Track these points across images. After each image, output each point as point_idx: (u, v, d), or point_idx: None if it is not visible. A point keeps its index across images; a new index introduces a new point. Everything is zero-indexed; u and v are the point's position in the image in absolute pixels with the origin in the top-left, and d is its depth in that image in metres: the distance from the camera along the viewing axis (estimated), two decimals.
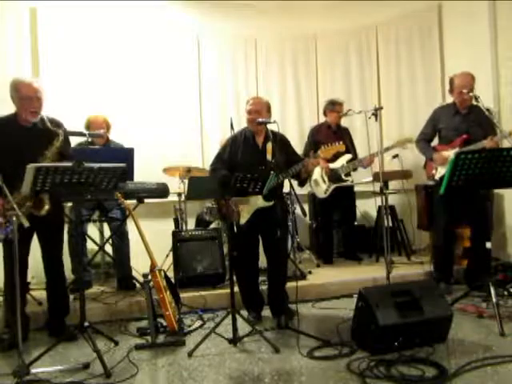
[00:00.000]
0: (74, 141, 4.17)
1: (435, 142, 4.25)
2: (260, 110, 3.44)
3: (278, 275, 3.48)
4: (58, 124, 3.20)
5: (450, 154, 3.89)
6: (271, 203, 3.38)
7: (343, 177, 4.91)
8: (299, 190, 3.72)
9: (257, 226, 3.43)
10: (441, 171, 3.96)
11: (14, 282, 2.55)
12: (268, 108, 3.52)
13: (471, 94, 3.70)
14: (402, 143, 4.66)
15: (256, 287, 3.60)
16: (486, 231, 3.83)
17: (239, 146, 3.49)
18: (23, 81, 3.07)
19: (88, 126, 4.25)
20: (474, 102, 3.67)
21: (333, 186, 4.91)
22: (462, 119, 3.97)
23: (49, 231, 3.19)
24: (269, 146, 3.44)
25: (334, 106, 5.07)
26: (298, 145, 5.49)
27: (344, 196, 5.02)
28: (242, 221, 3.39)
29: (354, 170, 4.98)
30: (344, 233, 5.29)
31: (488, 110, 3.69)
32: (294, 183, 3.45)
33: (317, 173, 4.99)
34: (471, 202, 3.83)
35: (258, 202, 3.37)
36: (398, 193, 5.32)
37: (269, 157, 3.42)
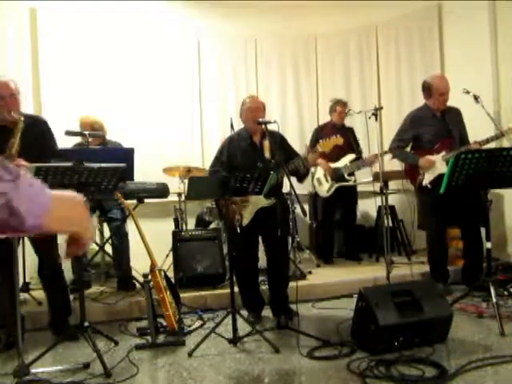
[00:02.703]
0: (74, 141, 4.18)
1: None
2: (260, 108, 3.46)
3: (279, 276, 3.48)
4: (34, 120, 3.17)
5: (437, 158, 3.88)
6: (272, 201, 3.38)
7: (346, 176, 4.91)
8: (299, 190, 3.72)
9: (257, 225, 3.42)
10: (428, 177, 3.91)
11: (8, 282, 2.55)
12: (264, 108, 3.53)
13: (471, 93, 3.69)
14: None
15: (256, 288, 3.60)
16: (477, 231, 3.83)
17: (237, 147, 3.49)
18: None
19: (80, 127, 4.24)
20: (475, 103, 3.66)
21: (335, 186, 4.92)
22: (441, 122, 3.97)
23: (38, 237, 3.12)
24: (266, 143, 3.44)
25: (335, 106, 5.11)
26: (298, 145, 5.50)
27: (347, 196, 5.03)
28: (245, 222, 3.39)
29: (358, 169, 4.98)
30: (345, 233, 5.29)
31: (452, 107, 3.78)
32: (294, 181, 3.44)
33: (320, 171, 5.00)
34: (462, 203, 3.82)
35: (259, 201, 3.36)
36: (397, 193, 5.31)
37: (267, 154, 3.42)
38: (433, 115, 3.99)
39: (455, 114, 4.00)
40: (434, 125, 3.97)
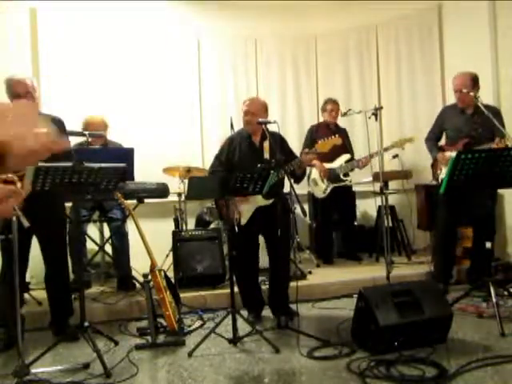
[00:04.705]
0: (74, 141, 4.18)
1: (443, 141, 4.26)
2: (255, 111, 3.43)
3: (279, 276, 3.48)
4: (52, 118, 3.16)
5: (453, 155, 3.89)
6: (271, 201, 3.38)
7: (341, 177, 4.91)
8: (299, 190, 3.72)
9: (258, 225, 3.42)
10: (444, 171, 3.97)
11: (11, 281, 2.55)
12: (265, 108, 3.51)
13: (471, 93, 3.69)
14: (401, 144, 4.65)
15: (256, 287, 3.60)
16: (490, 231, 3.83)
17: (236, 147, 3.50)
18: (15, 78, 3.05)
19: (86, 127, 4.22)
20: (475, 102, 3.66)
21: (331, 186, 4.92)
22: (466, 120, 3.96)
23: (47, 231, 3.13)
24: (266, 144, 3.45)
25: (325, 105, 5.14)
26: (298, 145, 5.50)
27: (343, 196, 5.02)
28: (243, 221, 3.39)
29: (351, 170, 4.99)
30: (343, 233, 5.29)
31: (488, 106, 3.68)
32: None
33: (315, 172, 5.00)
34: (474, 201, 3.82)
35: (258, 200, 3.36)
36: (397, 193, 5.32)
37: (266, 155, 3.43)
38: (461, 112, 3.99)
39: (490, 113, 3.90)
40: (459, 121, 3.98)
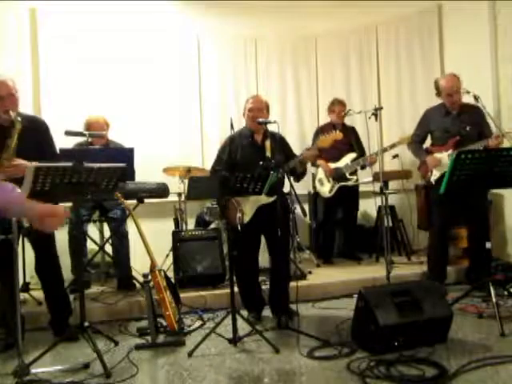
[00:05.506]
0: (74, 141, 4.18)
1: (428, 143, 4.25)
2: (262, 109, 3.46)
3: (280, 275, 3.48)
4: (34, 121, 3.17)
5: (443, 156, 3.91)
6: (273, 199, 3.37)
7: (347, 175, 4.90)
8: (299, 190, 3.71)
9: (259, 225, 3.42)
10: (436, 173, 3.97)
11: (10, 282, 2.55)
12: (267, 108, 3.54)
13: (471, 93, 3.69)
14: (408, 140, 4.61)
15: (256, 287, 3.60)
16: (484, 230, 3.84)
17: (238, 145, 3.50)
18: None
19: (88, 127, 4.22)
20: (474, 102, 3.66)
21: (337, 185, 4.91)
22: (453, 120, 3.98)
23: (37, 233, 3.11)
24: (267, 143, 3.45)
25: (332, 106, 5.11)
26: (298, 145, 5.50)
27: (348, 196, 5.02)
28: (246, 219, 3.39)
29: (362, 168, 4.97)
30: (344, 233, 5.29)
31: (472, 105, 3.74)
32: (292, 180, 3.45)
33: (321, 172, 4.99)
34: (468, 202, 3.83)
35: (260, 198, 3.34)
36: (398, 193, 5.31)
37: (268, 154, 3.42)
38: (446, 113, 4.00)
39: (473, 112, 3.93)
40: (445, 122, 3.99)
